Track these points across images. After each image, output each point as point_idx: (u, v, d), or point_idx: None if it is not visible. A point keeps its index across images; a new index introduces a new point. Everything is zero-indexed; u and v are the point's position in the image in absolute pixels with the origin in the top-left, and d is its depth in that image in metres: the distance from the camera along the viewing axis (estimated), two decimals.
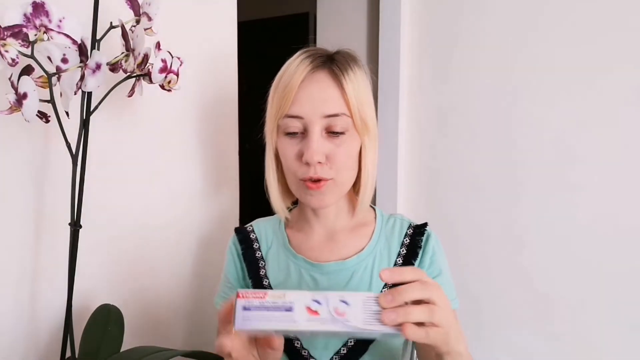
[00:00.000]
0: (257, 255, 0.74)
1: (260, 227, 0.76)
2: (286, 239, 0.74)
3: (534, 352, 1.22)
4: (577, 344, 1.16)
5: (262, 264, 0.74)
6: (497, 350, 1.27)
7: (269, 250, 0.74)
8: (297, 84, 0.62)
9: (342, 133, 0.63)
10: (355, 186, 0.70)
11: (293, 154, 0.65)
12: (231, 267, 0.76)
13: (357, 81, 0.64)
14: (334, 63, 0.65)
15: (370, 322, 0.43)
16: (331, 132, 0.63)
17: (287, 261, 0.72)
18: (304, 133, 0.64)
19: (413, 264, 0.68)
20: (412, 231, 0.71)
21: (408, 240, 0.71)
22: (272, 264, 0.73)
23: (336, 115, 0.62)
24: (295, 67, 0.64)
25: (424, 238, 0.70)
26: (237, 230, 0.78)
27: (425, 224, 0.72)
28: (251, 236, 0.76)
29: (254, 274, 0.73)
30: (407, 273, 0.47)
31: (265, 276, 0.73)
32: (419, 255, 0.69)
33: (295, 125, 0.64)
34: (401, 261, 0.70)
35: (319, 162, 0.63)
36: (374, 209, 0.76)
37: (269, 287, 0.72)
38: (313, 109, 0.62)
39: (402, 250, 0.70)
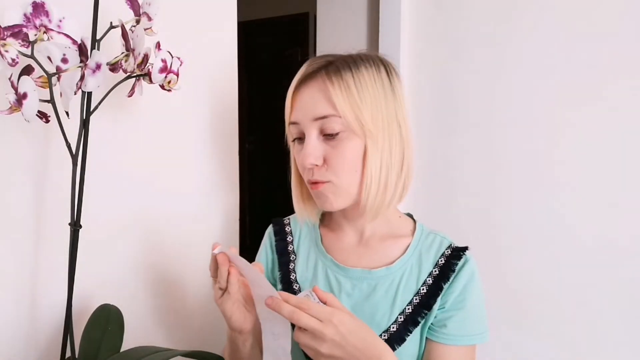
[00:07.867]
0: (289, 248, 0.75)
1: (297, 221, 0.76)
2: (319, 237, 0.74)
3: (534, 353, 1.22)
4: (577, 345, 1.16)
5: (292, 257, 0.74)
6: (498, 350, 1.27)
7: (301, 245, 0.75)
8: (291, 92, 0.66)
9: (336, 134, 0.62)
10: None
11: (299, 159, 0.66)
12: (262, 257, 0.77)
13: (351, 83, 0.61)
14: (327, 67, 0.64)
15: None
16: (326, 135, 0.63)
17: (316, 259, 0.72)
18: (303, 138, 0.65)
19: (443, 287, 0.65)
20: (449, 252, 0.67)
21: (443, 261, 0.66)
22: (302, 260, 0.73)
23: (325, 117, 0.62)
24: (295, 77, 0.66)
25: (460, 262, 0.65)
26: (273, 221, 0.79)
27: (466, 248, 0.67)
28: (286, 229, 0.77)
29: (284, 266, 0.74)
30: (285, 309, 0.52)
31: (294, 270, 0.73)
32: (450, 280, 0.65)
33: (296, 132, 0.66)
34: (431, 281, 0.66)
35: (316, 165, 0.63)
36: (414, 221, 0.73)
37: (296, 282, 0.72)
38: (305, 114, 0.64)
39: (435, 271, 0.66)
